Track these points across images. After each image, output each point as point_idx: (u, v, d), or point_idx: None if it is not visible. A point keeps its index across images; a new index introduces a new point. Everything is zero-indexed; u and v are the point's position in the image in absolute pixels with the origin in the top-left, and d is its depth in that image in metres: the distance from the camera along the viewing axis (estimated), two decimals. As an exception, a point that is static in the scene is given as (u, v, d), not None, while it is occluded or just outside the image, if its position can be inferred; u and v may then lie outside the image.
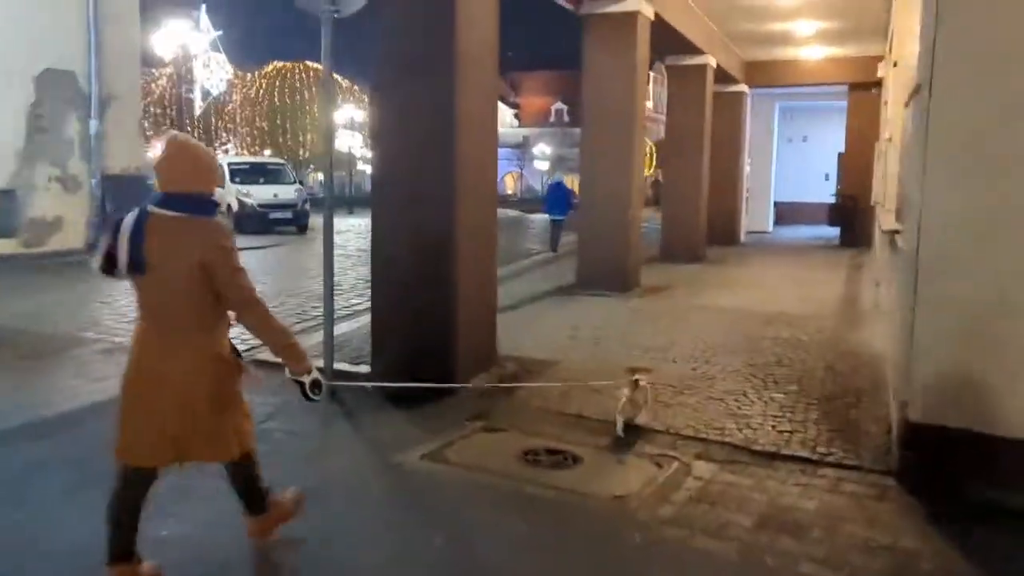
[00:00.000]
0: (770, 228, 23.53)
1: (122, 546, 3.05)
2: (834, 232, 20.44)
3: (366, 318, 6.94)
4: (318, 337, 6.22)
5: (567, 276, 11.16)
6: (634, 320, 8.51)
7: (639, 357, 6.84)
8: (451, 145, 5.70)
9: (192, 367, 3.03)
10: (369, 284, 6.51)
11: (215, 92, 24.92)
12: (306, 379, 3.15)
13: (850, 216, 18.87)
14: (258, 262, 14.10)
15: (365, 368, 6.23)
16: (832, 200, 25.45)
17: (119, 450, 3.07)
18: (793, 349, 7.17)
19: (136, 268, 2.99)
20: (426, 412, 5.36)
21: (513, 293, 10.17)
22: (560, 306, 9.32)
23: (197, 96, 24.26)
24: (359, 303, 9.11)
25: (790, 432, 5.05)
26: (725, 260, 15.05)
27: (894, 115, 8.76)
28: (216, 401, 3.07)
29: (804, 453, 4.67)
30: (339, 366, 6.29)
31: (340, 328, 7.73)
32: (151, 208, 3.04)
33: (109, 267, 3.03)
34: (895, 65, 8.90)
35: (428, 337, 5.85)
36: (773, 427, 5.14)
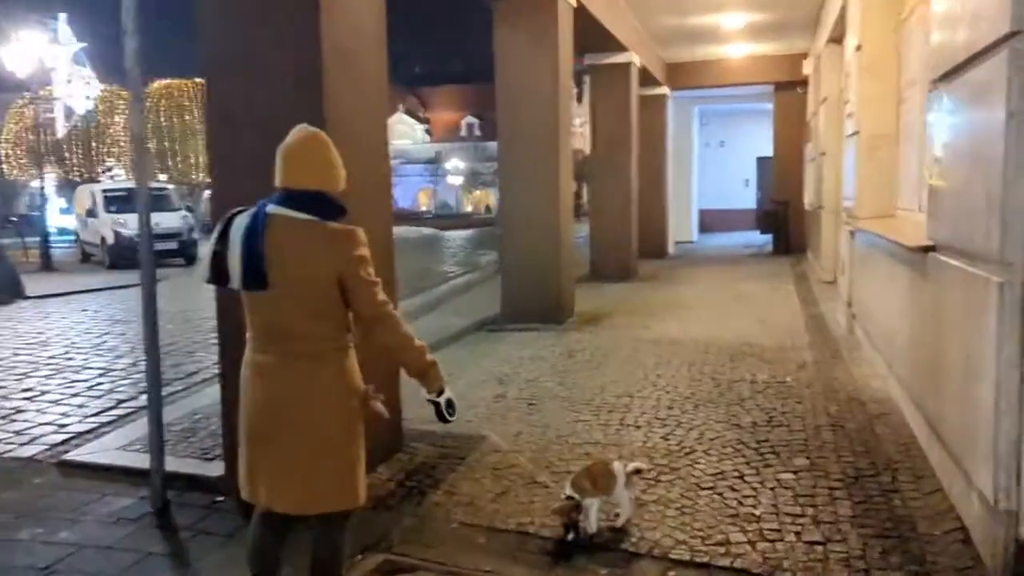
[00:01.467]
0: (695, 237, 22.52)
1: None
2: (764, 239, 19.56)
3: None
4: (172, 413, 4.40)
5: (490, 305, 9.50)
6: (575, 365, 6.92)
7: (589, 425, 5.23)
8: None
9: (327, 399, 2.68)
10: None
11: (80, 111, 22.18)
12: (442, 399, 2.83)
13: (782, 222, 17.90)
14: (127, 303, 11.99)
15: (219, 468, 4.43)
16: (756, 206, 24.87)
17: (248, 492, 2.77)
18: (780, 398, 5.69)
19: (255, 283, 2.60)
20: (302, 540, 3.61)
21: (426, 331, 8.44)
22: (483, 349, 7.65)
23: (59, 116, 21.57)
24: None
25: (823, 544, 3.51)
26: (658, 276, 13.70)
27: (863, 102, 7.48)
28: (351, 438, 2.76)
29: (861, 590, 3.14)
30: (177, 465, 4.49)
31: (185, 407, 5.91)
32: (271, 209, 2.65)
33: (219, 279, 2.67)
34: (858, 49, 7.62)
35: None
36: (797, 536, 3.60)
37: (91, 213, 20.20)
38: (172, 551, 3.68)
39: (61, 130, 22.59)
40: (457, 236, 30.09)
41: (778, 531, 3.66)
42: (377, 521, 3.90)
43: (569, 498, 3.57)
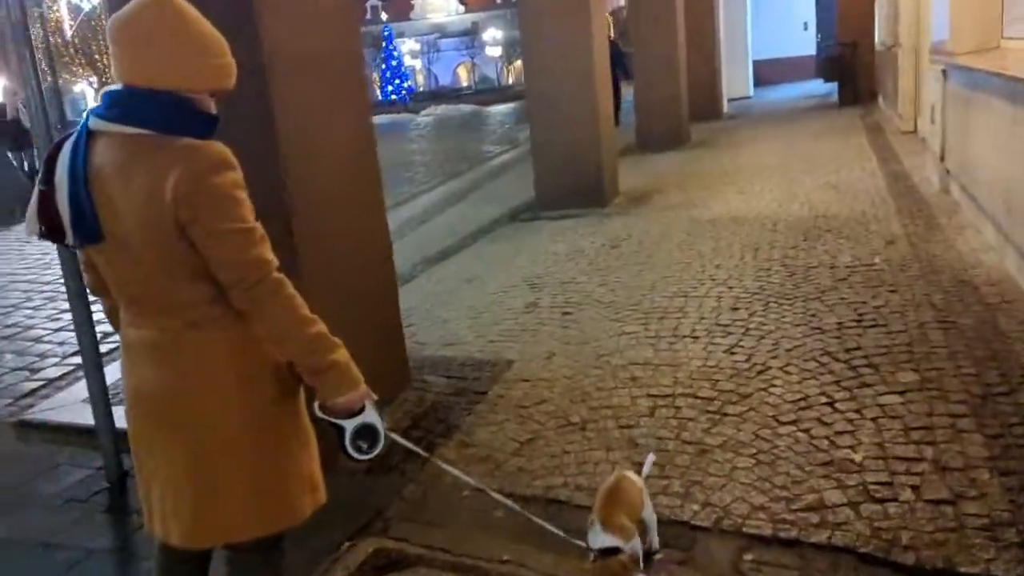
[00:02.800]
0: (751, 92, 20.70)
1: None
2: (828, 88, 17.77)
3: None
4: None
5: (527, 189, 8.47)
6: (619, 259, 5.93)
7: (635, 339, 4.32)
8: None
9: (220, 386, 1.82)
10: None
11: (87, 6, 20.63)
12: (350, 423, 1.86)
13: (848, 67, 16.06)
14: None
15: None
16: (817, 52, 22.90)
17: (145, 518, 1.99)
18: (869, 287, 4.66)
19: (86, 234, 1.77)
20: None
21: (454, 225, 7.58)
22: (513, 245, 6.71)
23: (65, 12, 20.15)
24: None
25: (952, 504, 2.61)
26: (714, 141, 12.37)
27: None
28: (266, 434, 1.88)
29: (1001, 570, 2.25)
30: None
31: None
32: (93, 123, 1.76)
33: (52, 234, 1.80)
34: None
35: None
36: (915, 492, 2.70)
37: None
38: (117, 546, 2.98)
39: (69, 29, 21.35)
40: (498, 111, 28.57)
41: (888, 485, 2.76)
42: (372, 490, 3.13)
43: (608, 552, 2.25)
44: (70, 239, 1.79)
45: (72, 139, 1.78)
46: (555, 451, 3.24)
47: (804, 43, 24.32)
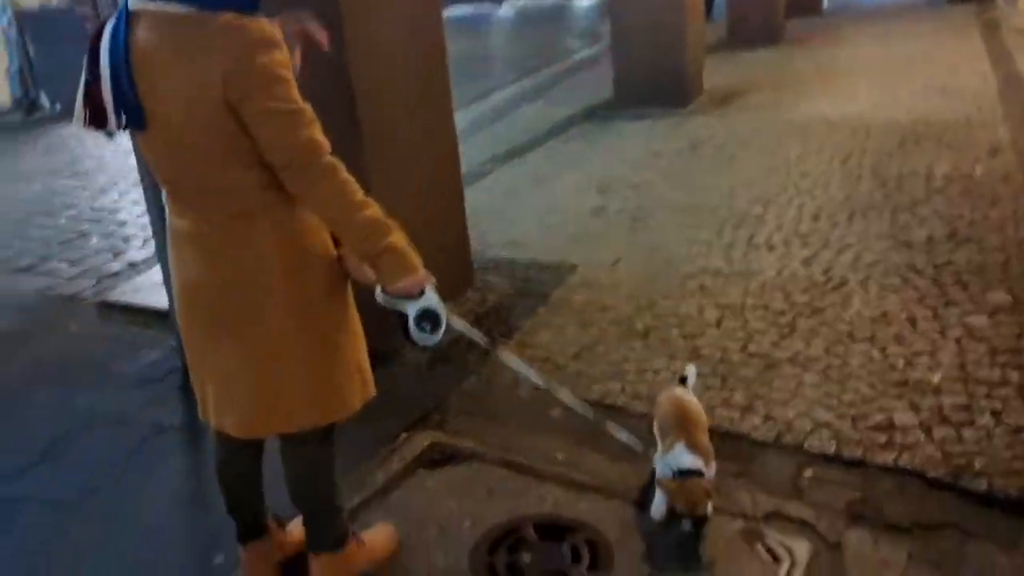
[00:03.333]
0: (856, -14, 19.27)
1: (242, 525, 2.15)
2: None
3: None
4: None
5: (606, 87, 8.16)
6: (697, 163, 5.68)
7: (708, 247, 4.16)
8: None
9: (268, 276, 1.79)
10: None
11: None
12: (411, 306, 1.83)
13: (967, -41, 14.74)
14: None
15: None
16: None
17: (201, 408, 2.01)
18: (967, 200, 4.34)
19: (130, 120, 1.69)
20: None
21: (525, 124, 7.39)
22: (585, 146, 6.49)
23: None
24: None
25: (1035, 431, 2.47)
26: (811, 38, 11.57)
27: None
28: (316, 325, 1.87)
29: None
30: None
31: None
32: (134, 4, 1.68)
33: (99, 123, 1.72)
34: None
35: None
36: (995, 417, 2.56)
37: None
38: (187, 423, 3.10)
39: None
40: (583, 5, 27.47)
41: (966, 408, 2.62)
42: (431, 382, 3.15)
43: (687, 473, 2.19)
44: (112, 126, 1.73)
45: (112, 22, 1.71)
46: (615, 357, 3.19)
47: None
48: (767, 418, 2.70)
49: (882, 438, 2.53)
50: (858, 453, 2.48)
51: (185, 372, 3.42)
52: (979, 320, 3.12)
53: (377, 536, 2.27)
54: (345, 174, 1.74)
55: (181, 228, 1.85)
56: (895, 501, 2.28)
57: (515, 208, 5.08)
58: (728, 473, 2.46)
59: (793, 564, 2.11)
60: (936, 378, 2.79)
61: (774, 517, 2.27)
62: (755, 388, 2.87)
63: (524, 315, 3.59)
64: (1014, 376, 2.74)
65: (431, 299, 1.87)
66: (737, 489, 2.39)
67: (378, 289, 1.86)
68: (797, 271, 3.72)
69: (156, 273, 4.46)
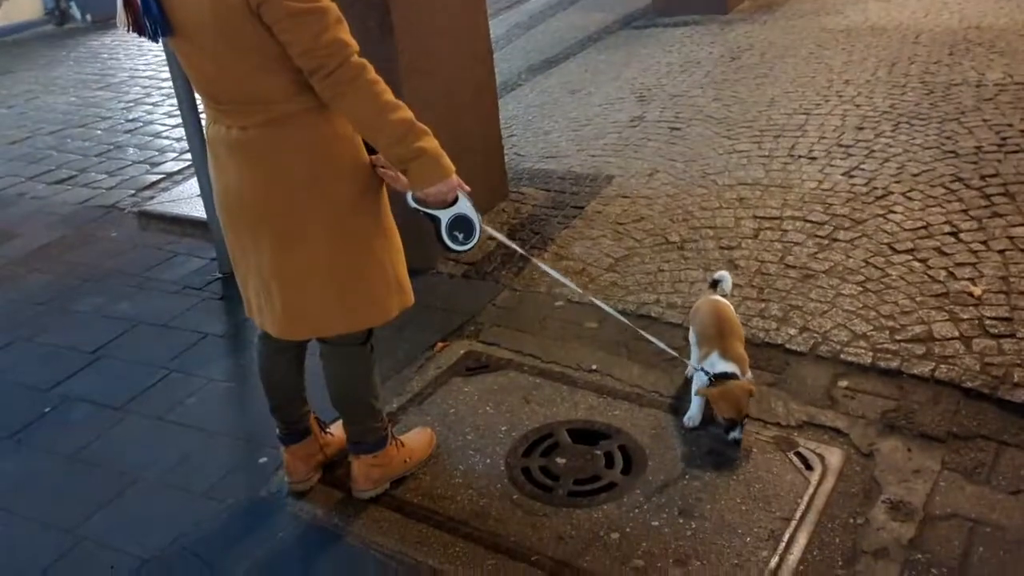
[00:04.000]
0: None
1: (284, 426, 2.22)
2: None
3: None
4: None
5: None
6: (737, 72, 5.50)
7: (747, 158, 4.07)
8: None
9: (300, 183, 1.81)
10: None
11: None
12: (444, 213, 1.85)
13: None
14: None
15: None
16: None
17: (245, 307, 2.08)
18: (1018, 109, 4.17)
19: (158, 26, 1.69)
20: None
21: (561, 32, 7.19)
22: (623, 55, 6.30)
23: None
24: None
25: (1078, 344, 2.43)
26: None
27: None
28: (351, 233, 1.89)
29: None
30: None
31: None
32: None
33: (139, 28, 1.71)
34: None
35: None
36: (1037, 329, 2.53)
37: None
38: (229, 331, 3.17)
39: None
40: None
41: (1007, 321, 2.59)
42: (466, 295, 3.18)
43: (724, 376, 2.23)
44: (148, 33, 1.71)
45: None
46: (650, 268, 3.18)
47: None
48: (803, 329, 2.69)
49: (920, 349, 2.52)
50: (895, 364, 2.47)
51: (224, 282, 3.52)
52: (1022, 231, 3.05)
53: (416, 439, 2.32)
54: (374, 75, 1.71)
55: (217, 135, 1.86)
56: (930, 411, 2.28)
57: (551, 119, 4.99)
58: (763, 383, 2.47)
59: (825, 471, 2.13)
60: (978, 290, 2.75)
61: (808, 426, 2.29)
62: (792, 299, 2.85)
63: (558, 227, 3.58)
64: (1059, 289, 2.69)
65: (464, 206, 1.86)
66: (771, 398, 2.41)
67: (409, 194, 1.86)
68: (838, 182, 3.64)
69: (193, 184, 4.49)
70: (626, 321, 2.44)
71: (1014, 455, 2.10)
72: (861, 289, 2.85)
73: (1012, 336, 2.51)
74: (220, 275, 3.56)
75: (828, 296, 2.84)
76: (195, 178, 4.35)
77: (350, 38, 1.69)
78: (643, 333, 2.45)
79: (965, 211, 3.25)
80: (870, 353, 2.53)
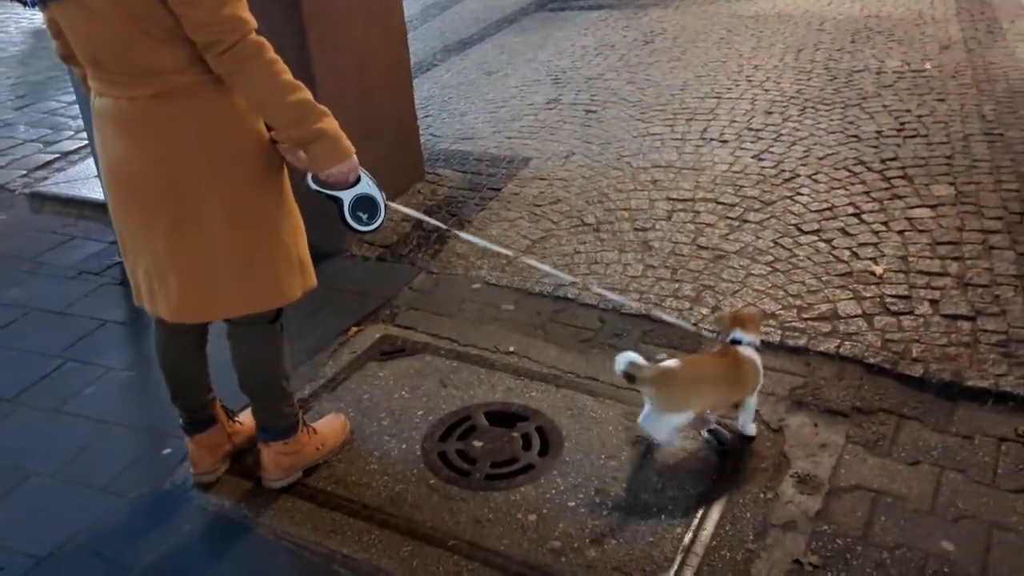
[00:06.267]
0: None
1: (187, 414, 2.11)
2: None
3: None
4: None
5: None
6: (651, 56, 5.56)
7: (660, 140, 4.12)
8: None
9: (188, 156, 1.71)
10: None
11: None
12: (346, 194, 1.83)
13: None
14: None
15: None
16: None
17: (134, 292, 1.96)
18: (916, 95, 4.36)
19: None
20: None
21: (476, 13, 7.13)
22: (539, 35, 6.30)
23: None
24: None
25: (971, 320, 2.55)
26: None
27: None
28: (248, 206, 1.79)
29: (1021, 392, 2.23)
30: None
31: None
32: None
33: None
34: None
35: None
36: (933, 306, 2.63)
37: None
38: (129, 318, 3.02)
39: None
40: None
41: (906, 298, 2.69)
42: (381, 278, 3.11)
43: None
44: None
45: None
46: (567, 250, 3.18)
47: None
48: (716, 309, 2.73)
49: (826, 327, 2.59)
50: (802, 342, 2.54)
51: (124, 266, 3.35)
52: (922, 212, 3.18)
53: (328, 425, 2.26)
54: (272, 54, 1.65)
55: (103, 108, 1.74)
56: (835, 387, 2.36)
57: (467, 100, 4.94)
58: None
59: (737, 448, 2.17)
60: (879, 269, 2.85)
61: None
62: (704, 279, 2.90)
63: (475, 208, 3.54)
64: (953, 267, 2.82)
65: (367, 186, 1.84)
66: (685, 376, 2.44)
67: (309, 176, 1.82)
68: (748, 165, 3.72)
69: (90, 164, 4.27)
70: (564, 279, 2.43)
71: (913, 427, 2.18)
72: (770, 269, 2.92)
73: (911, 313, 2.61)
74: (119, 259, 3.39)
75: (739, 276, 2.90)
76: (92, 158, 4.15)
77: (249, 15, 1.62)
78: (592, 285, 2.44)
79: (867, 193, 3.37)
80: (779, 331, 2.59)
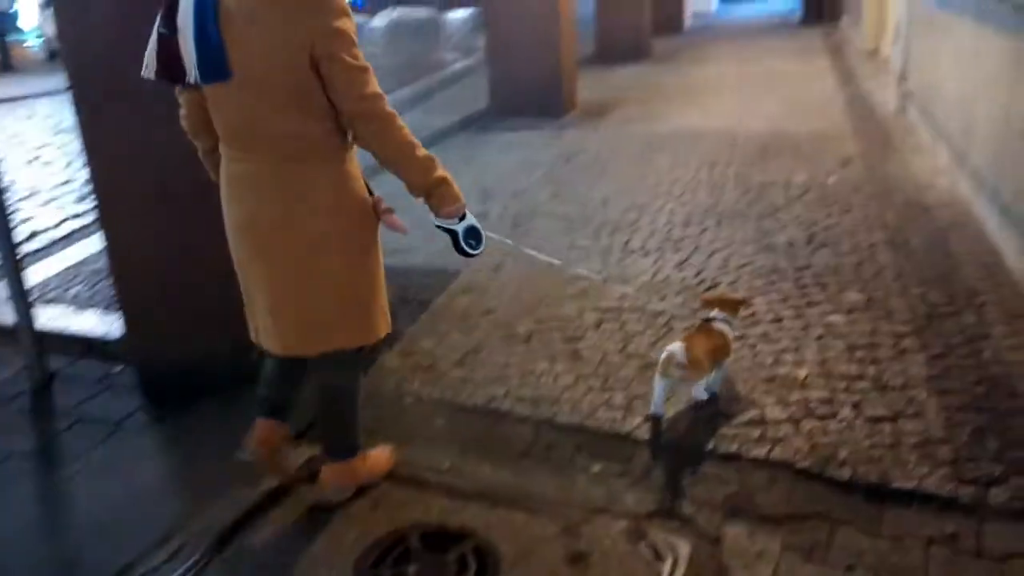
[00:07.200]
0: (715, 8, 20.28)
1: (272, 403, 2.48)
2: (793, 7, 17.54)
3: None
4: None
5: (482, 98, 8.21)
6: (573, 172, 5.79)
7: (586, 252, 4.24)
8: None
9: (317, 213, 2.12)
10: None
11: None
12: (459, 225, 2.22)
13: (815, -14, 15.79)
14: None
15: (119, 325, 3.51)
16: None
17: (251, 329, 2.36)
18: (823, 207, 4.62)
19: (214, 72, 1.99)
20: (204, 429, 2.79)
21: (404, 133, 7.29)
22: (464, 155, 6.50)
23: None
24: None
25: (892, 421, 2.62)
26: (676, 55, 12.12)
27: None
28: (352, 259, 2.22)
29: (943, 492, 2.27)
30: (73, 322, 3.65)
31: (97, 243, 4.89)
32: None
33: (172, 74, 2.04)
34: None
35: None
36: (855, 409, 2.71)
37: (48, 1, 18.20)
38: (42, 447, 2.86)
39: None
40: (458, 17, 27.64)
41: (829, 402, 2.76)
42: (312, 396, 3.03)
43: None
44: (192, 78, 1.99)
45: None
46: (498, 362, 3.18)
47: (772, -41, 24.02)
48: (647, 418, 2.75)
49: (755, 432, 2.63)
50: (734, 448, 2.57)
51: (34, 394, 3.20)
52: (837, 319, 3.31)
53: (379, 453, 2.57)
54: (401, 121, 2.06)
55: (241, 171, 2.11)
56: (769, 493, 2.37)
57: (397, 215, 4.98)
58: (611, 474, 2.49)
59: (676, 561, 2.14)
60: (801, 373, 2.93)
61: (656, 515, 2.31)
62: (635, 388, 2.92)
63: (406, 322, 3.53)
64: (870, 370, 2.92)
65: (472, 219, 2.27)
66: (620, 489, 2.43)
67: (432, 215, 2.21)
68: (671, 274, 3.84)
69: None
70: (553, 261, 2.53)
71: (846, 532, 2.20)
72: (698, 376, 2.97)
73: (834, 417, 2.67)
74: (29, 386, 3.24)
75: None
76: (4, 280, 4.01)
77: (382, 91, 2.03)
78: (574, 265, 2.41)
79: (785, 300, 3.50)
80: (711, 439, 2.62)
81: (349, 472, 2.43)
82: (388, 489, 2.48)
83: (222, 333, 2.89)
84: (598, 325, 3.41)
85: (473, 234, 2.27)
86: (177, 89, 2.14)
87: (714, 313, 2.82)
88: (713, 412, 2.75)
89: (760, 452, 2.54)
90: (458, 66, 12.29)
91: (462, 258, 2.30)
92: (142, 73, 2.08)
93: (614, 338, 3.29)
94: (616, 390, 2.93)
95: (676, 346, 2.65)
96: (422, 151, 2.10)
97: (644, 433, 2.68)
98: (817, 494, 2.36)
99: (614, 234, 4.41)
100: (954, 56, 4.99)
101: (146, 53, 2.06)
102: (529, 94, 7.54)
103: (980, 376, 2.82)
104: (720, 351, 2.76)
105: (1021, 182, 3.49)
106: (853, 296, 3.48)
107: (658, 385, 2.69)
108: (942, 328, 3.16)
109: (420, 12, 28.55)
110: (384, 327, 2.33)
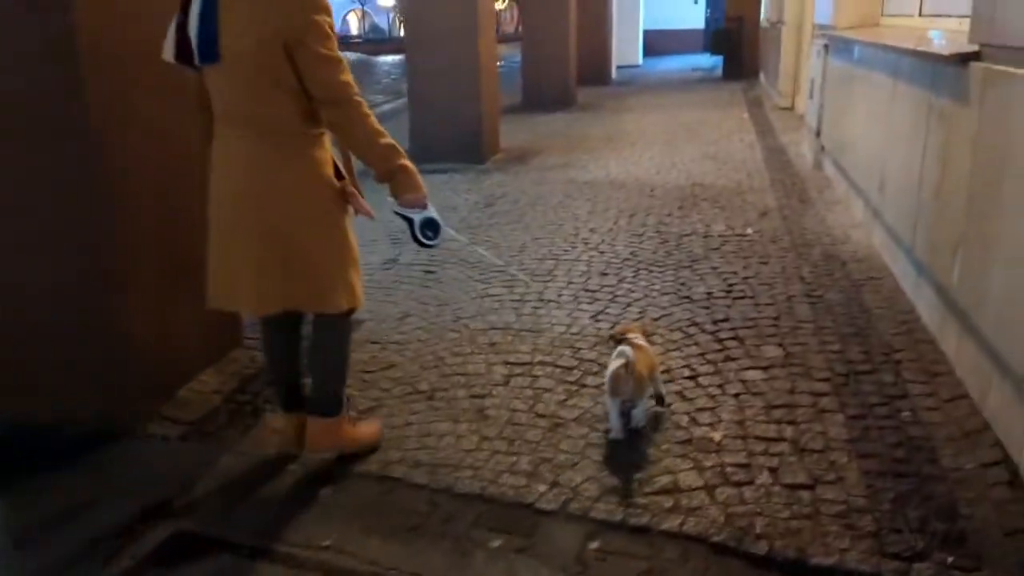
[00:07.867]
0: (640, 61, 20.77)
1: (280, 397, 2.74)
2: (715, 62, 18.10)
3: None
4: None
5: (403, 140, 8.00)
6: (491, 218, 5.62)
7: (499, 302, 4.03)
8: None
9: (292, 186, 2.35)
10: None
11: None
12: (417, 215, 2.44)
13: (735, 42, 16.30)
14: None
15: None
16: (705, 25, 23.51)
17: (209, 293, 2.49)
18: (741, 258, 4.54)
19: (207, 53, 2.26)
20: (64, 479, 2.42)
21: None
22: (381, 196, 6.22)
23: None
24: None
25: (811, 488, 2.46)
26: (600, 104, 12.23)
27: None
28: (321, 232, 2.43)
29: (865, 568, 2.11)
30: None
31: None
32: None
33: (183, 54, 2.30)
34: None
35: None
36: (773, 474, 2.54)
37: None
38: None
39: None
40: (386, 61, 27.63)
41: (746, 467, 2.59)
42: (179, 461, 2.72)
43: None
44: (197, 59, 2.24)
45: None
46: (397, 422, 2.92)
47: (694, 16, 24.91)
48: (554, 484, 2.52)
49: (668, 502, 2.43)
50: (644, 520, 2.35)
51: None
52: (755, 375, 3.17)
53: (367, 425, 2.74)
54: (368, 109, 2.29)
55: (225, 146, 2.34)
56: (682, 570, 2.16)
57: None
58: (512, 548, 2.25)
59: (579, 650, 1.91)
60: (718, 436, 2.76)
61: (559, 596, 2.08)
62: (542, 451, 2.70)
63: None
64: (788, 431, 2.77)
65: (432, 211, 2.42)
66: (521, 566, 2.19)
67: (391, 199, 2.38)
68: (586, 326, 3.66)
69: None
70: (497, 262, 2.16)
71: (763, 614, 2.00)
72: (610, 441, 2.77)
73: (751, 483, 2.50)
74: None
75: (578, 447, 2.72)
76: None
77: (353, 81, 2.27)
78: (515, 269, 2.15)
79: (702, 355, 3.36)
80: (621, 509, 2.40)
81: (333, 432, 2.59)
82: (258, 571, 2.18)
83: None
84: (507, 381, 3.19)
85: (431, 225, 2.43)
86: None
87: (631, 336, 2.83)
88: (625, 478, 2.55)
89: (673, 524, 2.33)
90: (386, 108, 12.14)
91: (364, 309, 2.42)
92: (162, 56, 2.30)
93: (523, 395, 3.08)
94: (522, 454, 2.70)
95: (623, 356, 2.64)
96: (387, 139, 2.32)
97: (549, 502, 2.45)
98: (733, 570, 2.16)
99: (534, 283, 4.22)
100: (867, 113, 5.04)
101: (167, 39, 2.29)
102: (450, 139, 7.40)
103: (900, 438, 2.69)
104: (654, 367, 2.83)
105: (934, 239, 3.45)
106: (771, 351, 3.36)
107: (612, 408, 2.70)
108: (860, 387, 3.04)
109: (351, 55, 28.47)
110: (359, 300, 2.54)
